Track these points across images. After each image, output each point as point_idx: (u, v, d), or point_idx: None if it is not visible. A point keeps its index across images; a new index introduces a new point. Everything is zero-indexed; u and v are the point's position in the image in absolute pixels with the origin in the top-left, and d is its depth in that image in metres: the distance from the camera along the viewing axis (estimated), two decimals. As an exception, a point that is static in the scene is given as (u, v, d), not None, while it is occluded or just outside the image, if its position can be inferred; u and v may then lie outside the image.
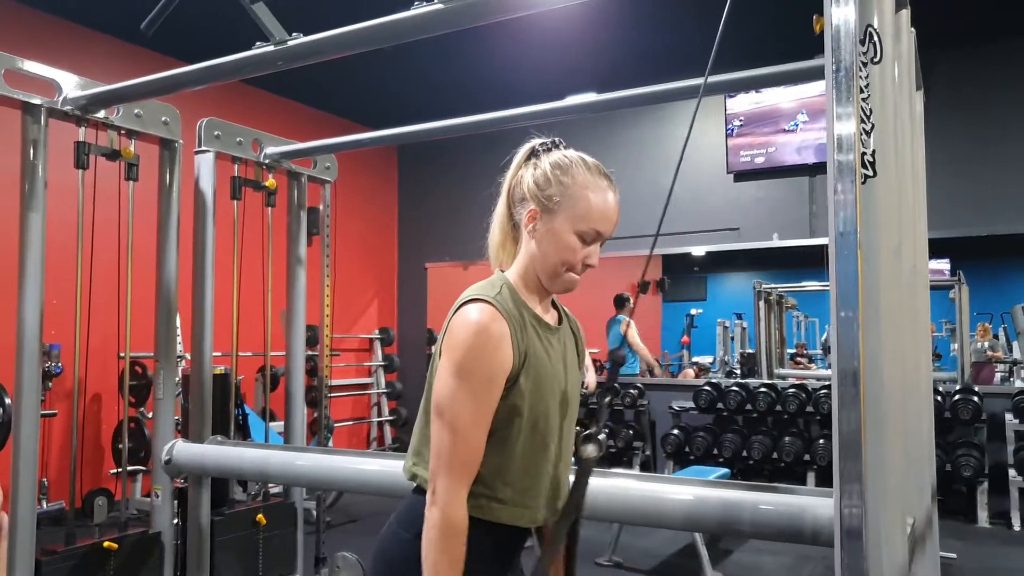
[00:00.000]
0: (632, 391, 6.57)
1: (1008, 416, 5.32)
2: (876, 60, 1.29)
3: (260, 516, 3.16)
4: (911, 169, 1.80)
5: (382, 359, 7.83)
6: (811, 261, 7.39)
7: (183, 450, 2.80)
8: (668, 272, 8.64)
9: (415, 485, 1.40)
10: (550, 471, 1.39)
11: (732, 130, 6.56)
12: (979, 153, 5.71)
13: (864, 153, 1.25)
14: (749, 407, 6.12)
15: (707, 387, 6.24)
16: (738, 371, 7.79)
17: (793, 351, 8.63)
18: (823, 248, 6.16)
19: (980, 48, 5.69)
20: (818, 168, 6.25)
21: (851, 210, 1.20)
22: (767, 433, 6.05)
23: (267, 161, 3.30)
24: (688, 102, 6.66)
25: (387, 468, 2.46)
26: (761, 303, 7.82)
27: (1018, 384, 6.20)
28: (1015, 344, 7.44)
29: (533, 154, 1.41)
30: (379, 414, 7.77)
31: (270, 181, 3.30)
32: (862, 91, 1.23)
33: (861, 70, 1.23)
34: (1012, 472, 5.17)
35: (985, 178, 5.68)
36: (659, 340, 9.16)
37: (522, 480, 1.34)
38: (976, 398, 5.35)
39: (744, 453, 5.96)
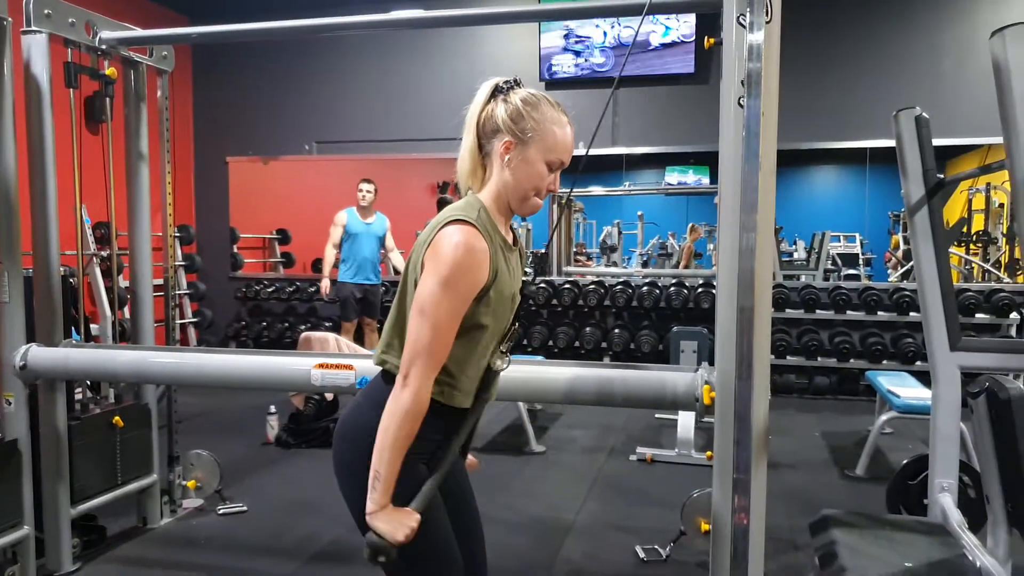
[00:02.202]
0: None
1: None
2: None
3: (117, 419, 3.10)
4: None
5: (182, 259, 7.46)
6: (599, 167, 7.99)
7: (40, 355, 2.67)
8: (462, 174, 8.93)
9: (382, 371, 1.59)
10: (482, 368, 1.63)
11: (548, 57, 6.83)
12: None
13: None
14: (555, 302, 6.70)
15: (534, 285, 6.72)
16: (529, 270, 8.39)
17: (575, 250, 9.39)
18: (623, 156, 6.71)
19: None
20: (621, 82, 6.77)
21: (756, 125, 1.51)
22: (570, 324, 6.69)
23: (103, 47, 3.04)
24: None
25: (274, 365, 2.56)
26: (555, 206, 8.37)
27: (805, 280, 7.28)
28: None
29: (498, 91, 1.56)
30: (181, 315, 7.45)
31: (110, 70, 3.05)
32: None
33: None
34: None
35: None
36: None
37: (477, 372, 1.57)
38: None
39: (550, 343, 6.57)
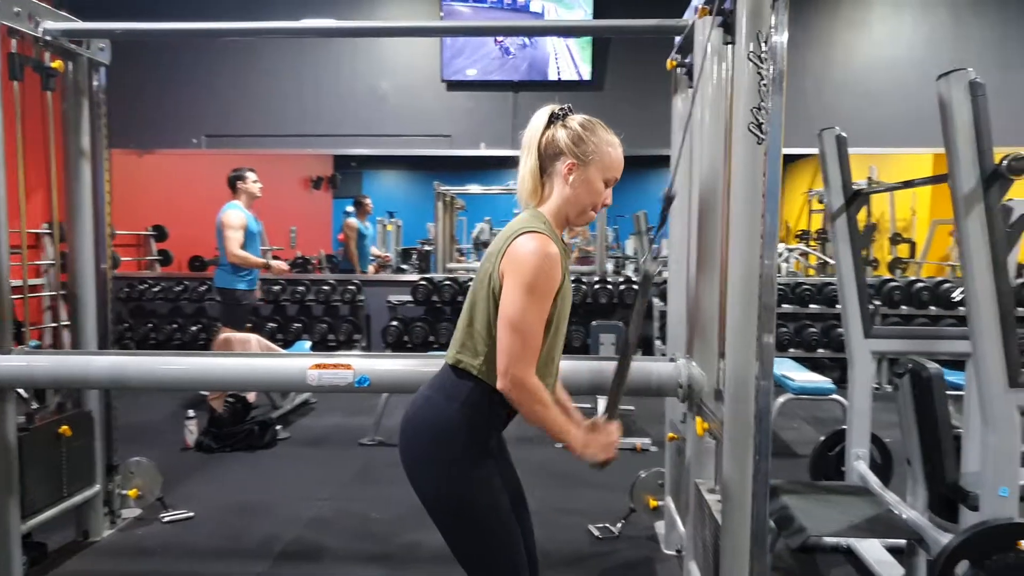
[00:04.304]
0: (351, 287, 6.88)
1: (656, 300, 6.80)
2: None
3: (65, 428, 2.96)
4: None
5: (53, 257, 6.95)
6: (476, 166, 8.13)
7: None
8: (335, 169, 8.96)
9: (452, 367, 1.72)
10: (558, 358, 1.81)
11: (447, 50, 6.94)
12: (649, 89, 6.87)
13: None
14: (460, 298, 6.84)
15: (423, 282, 6.81)
16: (405, 267, 8.46)
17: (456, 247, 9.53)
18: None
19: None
20: (521, 86, 7.01)
21: (777, 152, 1.75)
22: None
23: (47, 38, 2.89)
24: (403, 19, 6.89)
25: (267, 367, 2.57)
26: (440, 204, 8.50)
27: (628, 273, 7.78)
28: (627, 242, 9.26)
29: (555, 117, 1.73)
30: (55, 319, 6.93)
31: (57, 62, 2.91)
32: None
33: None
34: (658, 343, 6.69)
35: (650, 109, 6.90)
36: (331, 235, 9.43)
37: (544, 365, 1.72)
38: (636, 287, 6.72)
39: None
